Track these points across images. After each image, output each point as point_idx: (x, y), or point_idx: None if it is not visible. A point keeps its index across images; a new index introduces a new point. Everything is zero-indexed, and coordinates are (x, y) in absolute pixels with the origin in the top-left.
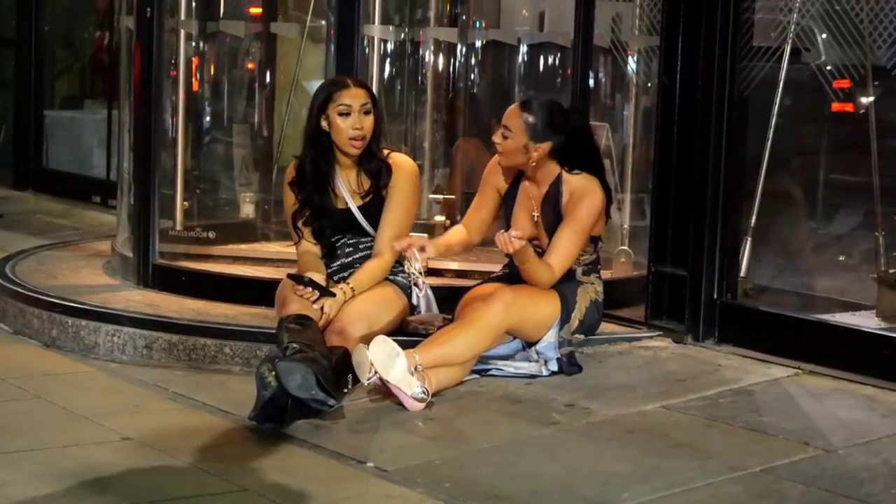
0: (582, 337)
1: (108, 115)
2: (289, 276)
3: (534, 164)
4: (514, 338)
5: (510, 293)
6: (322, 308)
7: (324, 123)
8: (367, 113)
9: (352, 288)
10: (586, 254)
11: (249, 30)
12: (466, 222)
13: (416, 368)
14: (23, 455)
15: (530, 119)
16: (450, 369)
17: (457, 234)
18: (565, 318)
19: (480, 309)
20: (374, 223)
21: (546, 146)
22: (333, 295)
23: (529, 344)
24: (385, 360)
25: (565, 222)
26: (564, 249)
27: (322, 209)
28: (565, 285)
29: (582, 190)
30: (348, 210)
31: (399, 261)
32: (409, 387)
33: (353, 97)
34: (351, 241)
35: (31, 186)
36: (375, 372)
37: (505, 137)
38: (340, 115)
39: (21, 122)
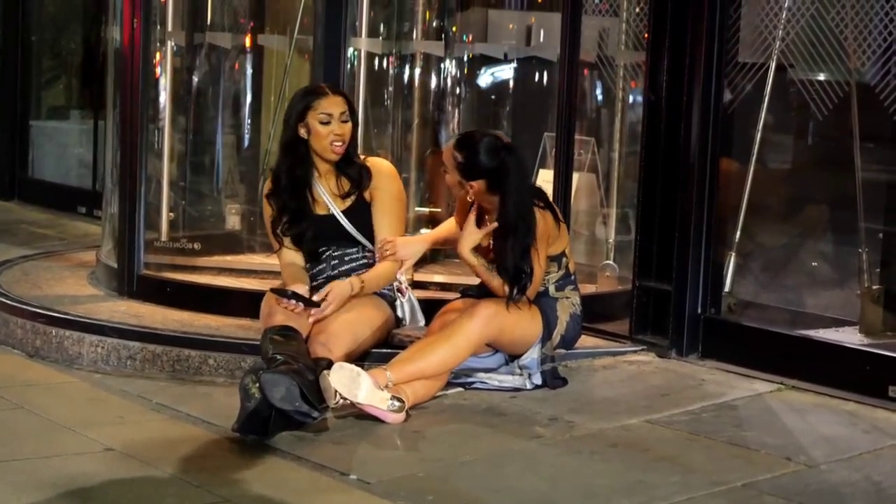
0: (563, 351)
1: (94, 126)
2: (272, 290)
3: (471, 199)
4: (497, 351)
5: (493, 308)
6: (310, 314)
7: (302, 131)
8: (345, 121)
9: (361, 283)
10: (551, 272)
11: (236, 42)
12: (457, 219)
13: (387, 385)
14: (4, 465)
15: (459, 158)
16: (426, 382)
17: (448, 228)
18: (547, 336)
19: (462, 322)
20: (359, 226)
21: (479, 184)
22: (318, 305)
23: (512, 357)
24: (348, 384)
25: None
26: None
27: (300, 213)
28: (543, 302)
29: None
30: (331, 215)
31: None
32: (381, 401)
33: (333, 105)
34: (336, 254)
35: (17, 196)
36: (342, 397)
37: (445, 173)
38: (321, 122)
39: (6, 131)
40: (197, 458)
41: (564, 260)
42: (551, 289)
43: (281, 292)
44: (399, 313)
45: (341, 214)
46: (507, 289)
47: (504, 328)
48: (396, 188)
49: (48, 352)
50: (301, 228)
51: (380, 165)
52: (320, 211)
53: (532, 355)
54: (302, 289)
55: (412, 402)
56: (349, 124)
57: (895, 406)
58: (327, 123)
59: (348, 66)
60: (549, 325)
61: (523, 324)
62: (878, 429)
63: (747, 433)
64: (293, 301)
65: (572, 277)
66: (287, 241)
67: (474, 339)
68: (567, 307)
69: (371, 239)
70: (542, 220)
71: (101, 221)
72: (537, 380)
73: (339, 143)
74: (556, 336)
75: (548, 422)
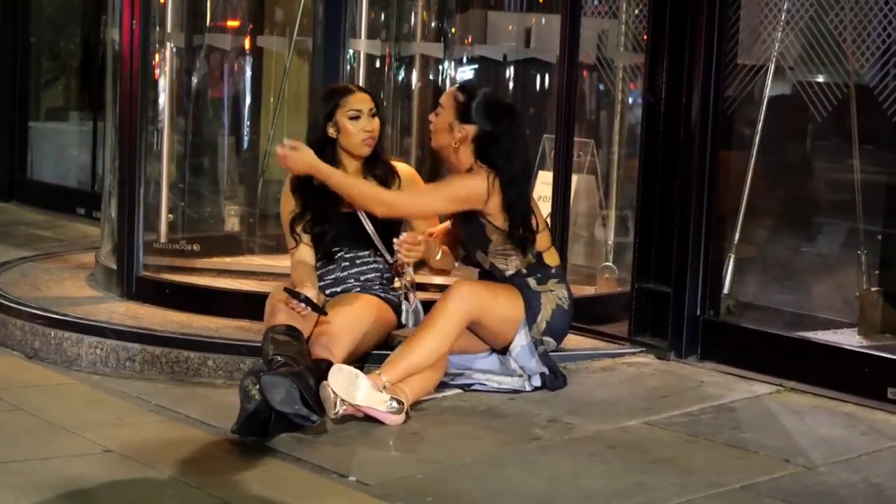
0: (552, 341)
1: (93, 127)
2: (286, 289)
3: (456, 145)
4: (492, 351)
5: (466, 286)
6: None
7: (331, 131)
8: (374, 116)
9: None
10: (513, 255)
11: (235, 43)
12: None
13: (384, 387)
14: (3, 466)
15: (460, 98)
16: (421, 378)
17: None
18: (532, 319)
19: (439, 305)
20: (380, 228)
21: (469, 129)
22: (326, 313)
23: (503, 351)
24: (347, 386)
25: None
26: (416, 193)
27: (323, 214)
28: (525, 292)
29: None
30: (354, 213)
31: (390, 276)
32: (380, 403)
33: (361, 101)
34: (348, 256)
35: (16, 197)
36: (342, 401)
37: (437, 115)
38: (351, 119)
39: (5, 132)
40: (196, 459)
41: (530, 248)
42: (531, 282)
43: (294, 293)
44: (403, 318)
45: (364, 215)
46: (375, 191)
47: (483, 304)
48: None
49: (47, 353)
50: (323, 228)
51: (403, 169)
52: (344, 208)
53: (521, 342)
54: (311, 292)
55: (411, 400)
56: (377, 120)
57: (894, 408)
58: (357, 119)
59: (348, 67)
60: (531, 308)
61: (503, 299)
62: (877, 430)
63: (746, 435)
64: (303, 304)
65: (553, 271)
66: (306, 238)
67: (456, 318)
68: (552, 299)
69: (387, 244)
70: (476, 183)
71: (100, 223)
72: (537, 381)
73: (370, 140)
74: (542, 321)
75: (546, 423)
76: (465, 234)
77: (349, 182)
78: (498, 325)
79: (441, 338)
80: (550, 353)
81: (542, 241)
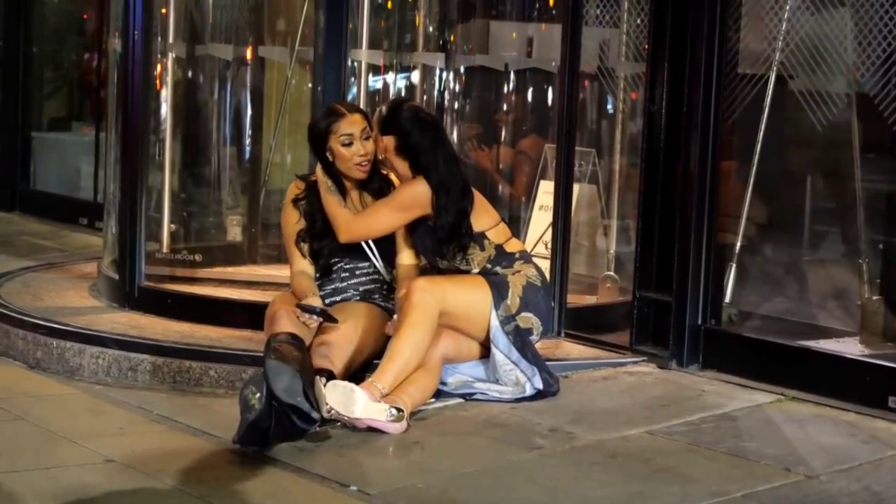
0: (537, 320)
1: (95, 137)
2: (298, 304)
3: (382, 157)
4: (481, 359)
5: (422, 279)
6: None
7: (328, 156)
8: (367, 138)
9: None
10: (474, 250)
11: (237, 53)
12: None
13: (381, 397)
14: (4, 476)
15: (382, 112)
16: (418, 384)
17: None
18: (499, 297)
19: (405, 305)
20: (376, 244)
21: (388, 140)
22: (336, 320)
23: (486, 346)
24: (345, 402)
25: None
26: (367, 212)
27: (325, 231)
28: (490, 277)
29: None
30: None
31: (392, 287)
32: (379, 413)
33: (352, 125)
34: (348, 267)
35: (18, 207)
36: (332, 408)
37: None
38: (344, 145)
39: (8, 143)
40: (197, 469)
41: (486, 242)
42: (497, 270)
43: (308, 308)
44: None
45: None
46: (336, 219)
47: (445, 290)
48: None
49: (49, 363)
50: (321, 244)
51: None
52: None
53: (494, 323)
54: (316, 301)
55: (411, 408)
56: (371, 142)
57: (895, 417)
58: (350, 145)
59: (352, 78)
60: (498, 289)
61: (467, 283)
62: (878, 439)
63: (747, 444)
64: (314, 317)
65: (517, 255)
66: (305, 250)
67: (424, 308)
68: (520, 278)
69: (384, 256)
70: (416, 187)
71: (102, 233)
72: (538, 384)
73: (365, 163)
74: (514, 297)
75: (548, 433)
76: (417, 240)
77: (331, 209)
78: (467, 309)
79: (418, 330)
80: (548, 361)
81: (499, 234)
